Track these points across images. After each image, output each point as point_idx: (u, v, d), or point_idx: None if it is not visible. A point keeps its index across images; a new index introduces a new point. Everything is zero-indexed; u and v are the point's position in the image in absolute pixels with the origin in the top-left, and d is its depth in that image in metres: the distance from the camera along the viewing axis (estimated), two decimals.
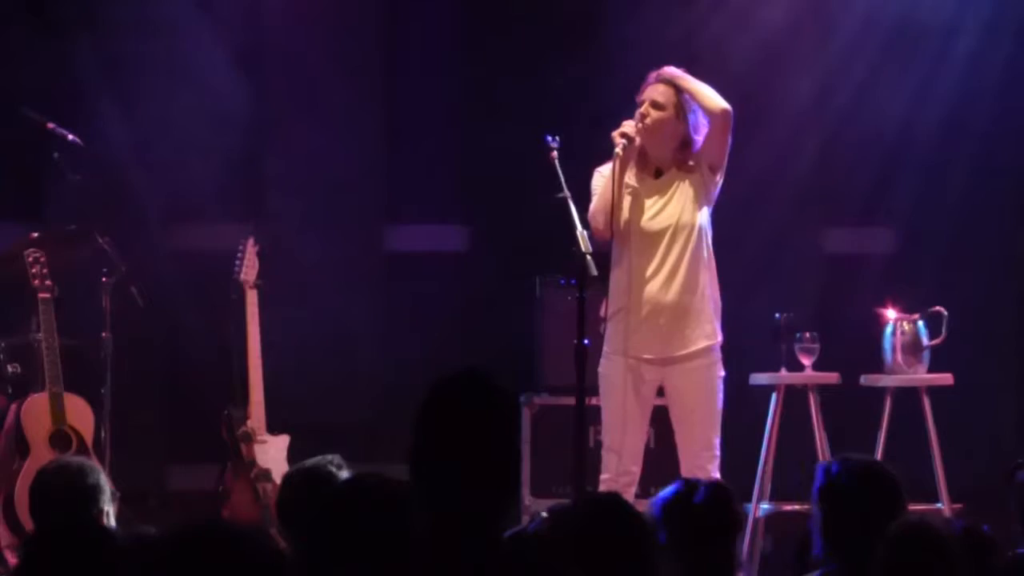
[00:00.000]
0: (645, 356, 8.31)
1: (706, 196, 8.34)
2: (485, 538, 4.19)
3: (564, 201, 7.82)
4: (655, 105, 8.26)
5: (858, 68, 9.91)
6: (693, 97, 8.26)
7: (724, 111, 8.23)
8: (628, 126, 8.22)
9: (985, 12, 10.55)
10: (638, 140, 8.22)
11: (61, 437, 8.93)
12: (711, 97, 8.26)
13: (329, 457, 5.88)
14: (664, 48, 9.24)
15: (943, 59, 10.46)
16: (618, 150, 8.17)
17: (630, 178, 8.33)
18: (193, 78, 10.51)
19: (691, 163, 8.36)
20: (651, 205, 8.33)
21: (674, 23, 10.42)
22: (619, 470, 8.17)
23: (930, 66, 10.42)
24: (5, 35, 10.25)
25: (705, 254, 8.35)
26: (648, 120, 8.24)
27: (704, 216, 8.33)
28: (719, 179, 8.36)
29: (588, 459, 7.99)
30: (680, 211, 8.31)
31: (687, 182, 8.35)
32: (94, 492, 5.78)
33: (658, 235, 8.30)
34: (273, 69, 10.74)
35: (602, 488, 8.08)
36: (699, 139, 8.32)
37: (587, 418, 7.84)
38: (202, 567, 3.57)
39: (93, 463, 6.13)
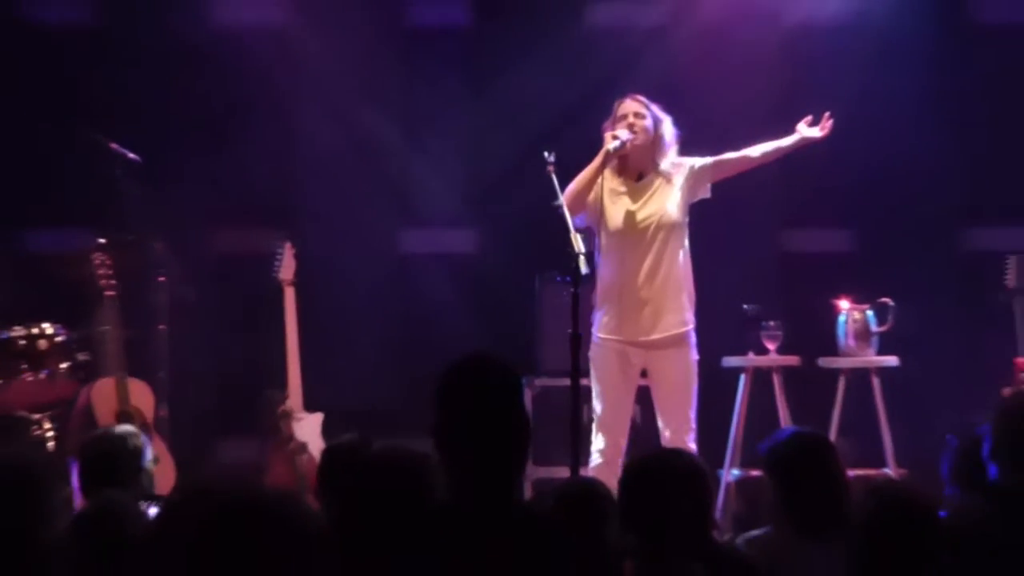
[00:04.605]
0: (631, 340, 8.36)
1: (687, 199, 8.42)
2: (503, 501, 4.23)
3: (560, 209, 7.86)
4: (638, 115, 8.37)
5: (818, 89, 9.91)
6: (764, 159, 8.55)
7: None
8: (621, 131, 8.31)
9: (927, 32, 10.57)
10: (628, 145, 8.30)
11: (126, 416, 8.98)
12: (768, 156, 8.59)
13: (361, 432, 5.93)
14: (647, 76, 9.29)
15: (894, 77, 10.47)
16: (612, 146, 8.25)
17: (617, 184, 8.39)
18: (237, 105, 10.56)
19: (673, 173, 8.42)
20: (636, 205, 8.39)
21: (653, 47, 10.46)
22: (609, 442, 8.23)
23: (881, 84, 10.43)
24: (73, 64, 10.29)
25: (683, 249, 8.41)
26: (636, 128, 8.33)
27: (682, 214, 8.40)
28: (708, 193, 8.48)
29: (582, 433, 8.03)
30: (661, 210, 8.37)
31: (668, 186, 8.42)
32: (136, 453, 5.84)
33: (642, 232, 8.34)
34: (305, 97, 10.75)
35: (593, 460, 8.16)
36: (668, 143, 8.43)
37: (581, 397, 7.87)
38: (247, 529, 3.61)
39: (135, 431, 6.15)
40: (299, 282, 9.81)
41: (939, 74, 10.56)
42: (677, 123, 8.56)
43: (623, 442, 8.29)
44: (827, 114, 8.55)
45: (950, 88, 10.58)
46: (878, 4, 10.68)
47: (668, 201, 8.42)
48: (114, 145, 9.54)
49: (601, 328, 8.37)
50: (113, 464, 5.77)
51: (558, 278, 9.30)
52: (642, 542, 4.85)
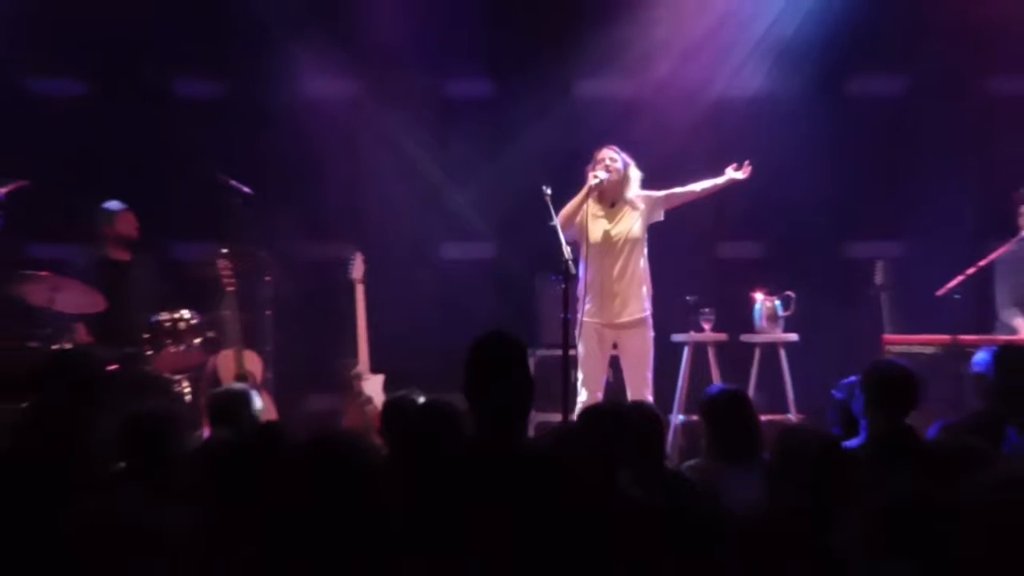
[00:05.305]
0: (606, 322, 8.37)
1: (646, 222, 8.46)
2: (514, 438, 4.23)
3: (554, 228, 7.88)
4: (612, 159, 8.41)
5: (741, 143, 9.89)
6: (702, 193, 8.57)
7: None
8: (600, 172, 8.33)
9: (817, 103, 10.57)
10: (605, 181, 8.32)
11: (242, 377, 9.00)
12: (705, 191, 8.57)
13: (412, 389, 5.92)
14: (618, 132, 9.26)
15: (794, 135, 10.44)
16: (593, 182, 8.33)
17: (596, 209, 8.43)
18: (322, 152, 10.59)
19: (637, 203, 8.44)
20: (610, 225, 8.43)
21: (623, 112, 10.46)
22: (589, 396, 8.25)
23: (786, 140, 10.40)
24: (204, 124, 10.31)
25: (643, 257, 8.45)
26: (611, 169, 8.36)
27: (643, 232, 8.44)
28: (662, 217, 8.49)
29: (570, 389, 8.03)
30: (629, 229, 8.41)
31: (634, 212, 8.46)
32: (248, 404, 5.82)
33: (614, 244, 8.38)
34: (371, 147, 10.76)
35: (578, 409, 8.15)
36: (634, 180, 8.44)
37: (569, 363, 7.87)
38: (332, 458, 3.61)
39: (247, 388, 6.14)
40: (367, 281, 9.82)
41: (826, 132, 10.52)
42: (640, 166, 8.60)
43: (600, 396, 8.31)
44: (747, 161, 8.56)
45: (835, 142, 10.55)
46: (782, 86, 10.69)
47: (633, 222, 8.44)
48: (233, 181, 9.54)
49: (584, 313, 8.38)
50: (232, 412, 5.77)
51: (552, 277, 9.29)
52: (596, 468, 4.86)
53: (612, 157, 8.48)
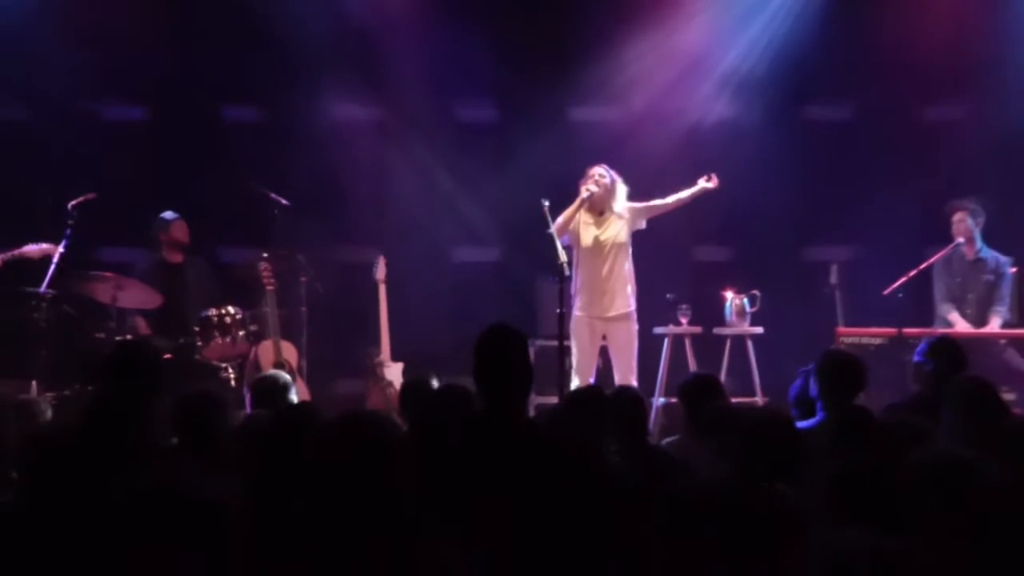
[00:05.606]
0: (596, 316, 8.37)
1: (631, 229, 8.46)
2: (516, 416, 4.23)
3: (551, 235, 7.89)
4: (601, 175, 8.42)
5: (710, 159, 9.88)
6: (678, 203, 8.54)
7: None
8: (591, 186, 8.32)
9: (779, 125, 10.58)
10: (595, 194, 8.31)
11: (280, 365, 8.97)
12: (680, 200, 8.54)
13: (427, 373, 5.91)
14: (607, 151, 9.24)
15: (758, 154, 10.46)
16: (586, 195, 8.34)
17: (587, 218, 8.43)
18: (349, 167, 10.59)
19: (623, 213, 8.44)
20: (599, 231, 8.43)
21: (610, 134, 10.44)
22: (581, 382, 8.24)
23: (750, 157, 10.41)
24: (246, 144, 10.30)
25: (628, 259, 8.46)
26: (600, 183, 8.36)
27: (628, 238, 8.45)
28: (644, 225, 8.49)
29: (565, 375, 8.02)
30: (616, 235, 8.42)
31: (620, 221, 8.46)
32: (286, 388, 5.79)
33: (602, 248, 8.40)
34: (393, 164, 10.78)
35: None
36: (620, 193, 8.44)
37: (564, 352, 7.87)
38: (358, 433, 3.60)
39: (286, 375, 6.10)
40: (388, 281, 9.80)
41: (786, 152, 10.54)
42: (625, 181, 8.61)
43: (591, 380, 8.29)
44: (714, 174, 8.59)
45: (793, 160, 10.55)
46: (748, 112, 10.69)
47: (619, 230, 8.45)
48: (272, 194, 9.54)
49: (577, 308, 8.40)
50: (271, 395, 5.76)
51: (550, 278, 9.28)
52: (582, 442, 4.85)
53: (601, 173, 8.49)
